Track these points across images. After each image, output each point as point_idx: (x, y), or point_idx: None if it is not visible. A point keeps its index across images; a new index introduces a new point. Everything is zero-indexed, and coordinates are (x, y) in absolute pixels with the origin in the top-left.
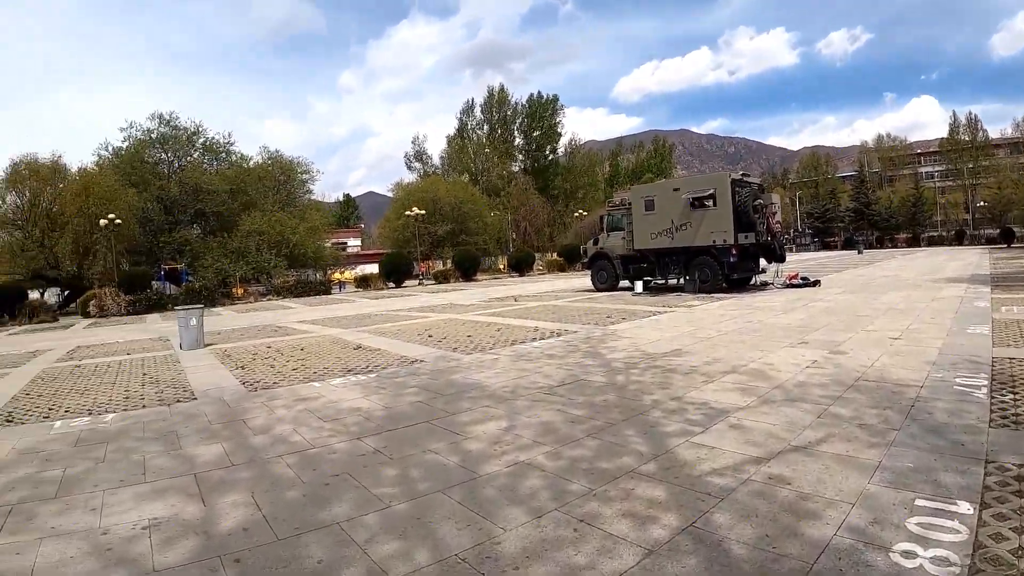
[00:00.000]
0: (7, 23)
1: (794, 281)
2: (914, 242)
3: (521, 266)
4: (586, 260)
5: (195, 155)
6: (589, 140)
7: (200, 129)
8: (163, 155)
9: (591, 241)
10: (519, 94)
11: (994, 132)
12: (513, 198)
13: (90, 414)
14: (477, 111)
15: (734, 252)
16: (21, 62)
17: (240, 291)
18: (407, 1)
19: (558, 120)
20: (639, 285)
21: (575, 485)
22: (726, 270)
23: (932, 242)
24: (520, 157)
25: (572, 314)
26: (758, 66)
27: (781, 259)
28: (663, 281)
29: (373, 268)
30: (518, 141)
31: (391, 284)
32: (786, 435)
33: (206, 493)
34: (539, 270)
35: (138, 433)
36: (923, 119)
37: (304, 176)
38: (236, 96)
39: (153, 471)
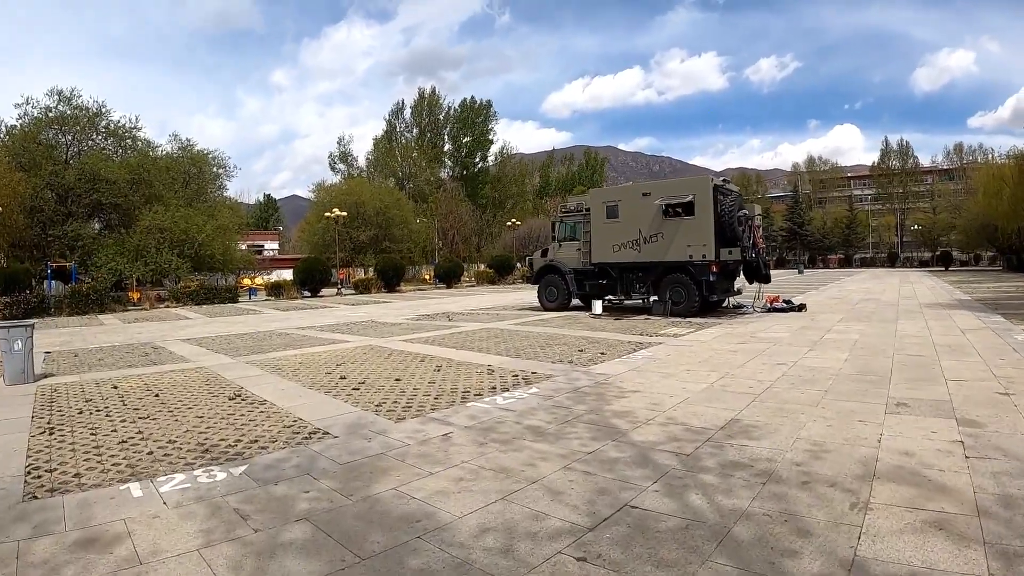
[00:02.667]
0: None
1: (776, 304)
2: (846, 263)
3: (449, 277)
4: (532, 274)
5: (97, 139)
6: (517, 153)
7: (103, 111)
8: (61, 137)
9: (538, 252)
10: (452, 98)
11: (922, 161)
12: (441, 205)
13: None
14: (407, 113)
15: (714, 270)
16: None
17: (136, 295)
18: (346, 1)
19: (490, 127)
20: (598, 305)
21: None
22: (704, 290)
23: (864, 263)
24: (449, 163)
25: (529, 344)
26: (687, 88)
27: (766, 279)
28: (620, 300)
29: (290, 274)
30: (448, 147)
31: (306, 293)
32: None
33: None
34: (467, 282)
35: None
36: (845, 145)
37: (219, 171)
38: (165, 87)
39: None
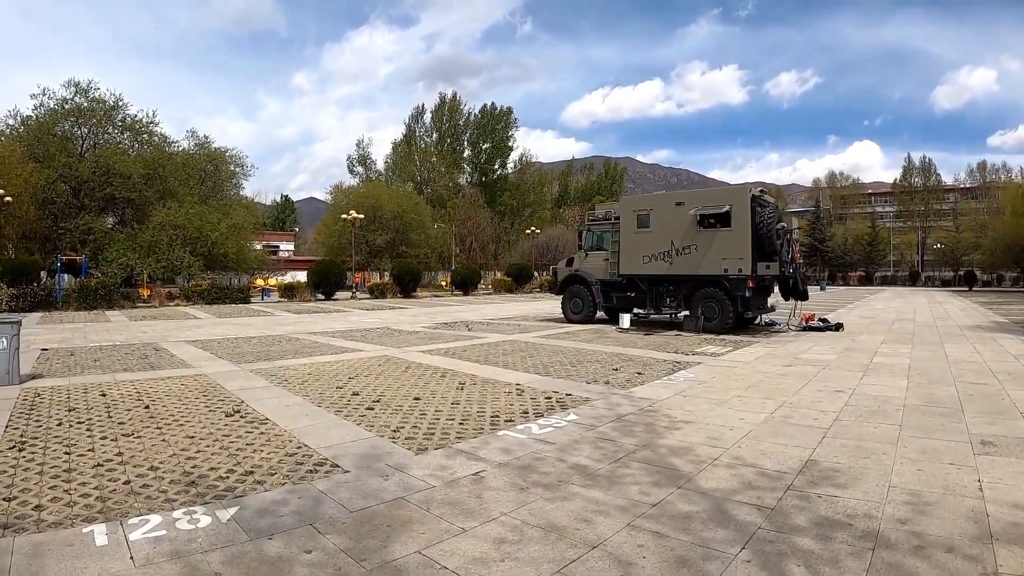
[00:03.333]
0: None
1: (812, 323)
2: (867, 280)
3: (466, 284)
4: (556, 284)
5: (112, 132)
6: (536, 161)
7: (120, 104)
8: (77, 130)
9: (563, 261)
10: (472, 104)
11: (944, 179)
12: (459, 210)
13: None
14: (427, 118)
15: (751, 285)
16: None
17: (147, 292)
18: (368, 7)
19: (511, 133)
20: (625, 319)
21: None
22: (739, 306)
23: (885, 281)
24: (468, 169)
25: (558, 360)
26: (707, 101)
27: (803, 296)
28: (649, 314)
29: (304, 276)
30: (467, 153)
31: (320, 296)
32: None
33: None
34: (484, 290)
35: None
36: (864, 162)
37: (236, 169)
38: (187, 88)
39: None
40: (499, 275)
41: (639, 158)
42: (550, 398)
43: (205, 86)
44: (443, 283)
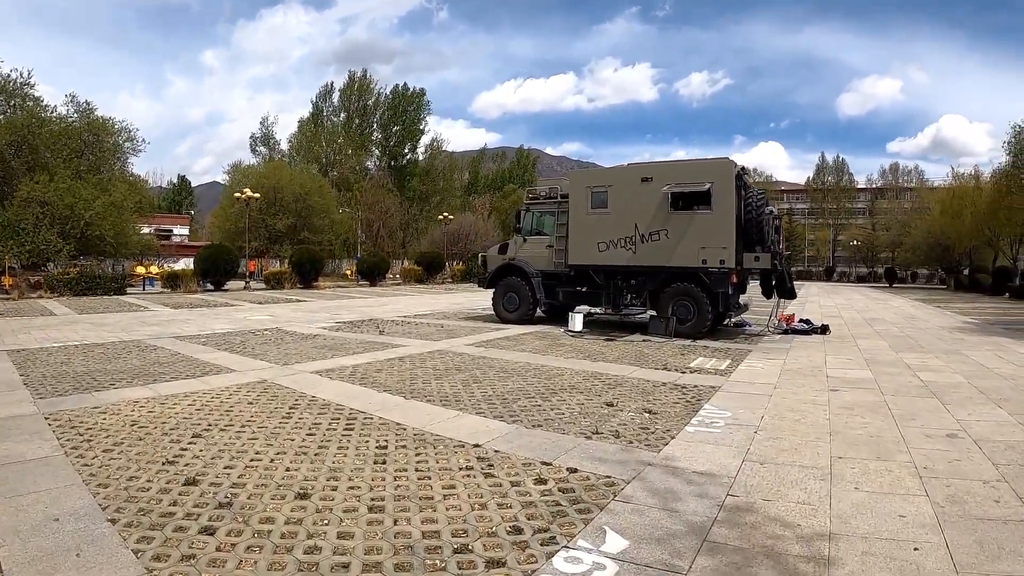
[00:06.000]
0: None
1: (794, 325)
2: None
3: (373, 274)
4: (487, 275)
5: None
6: (446, 149)
7: None
8: None
9: (495, 248)
10: (383, 85)
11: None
12: (366, 194)
13: None
14: (335, 97)
15: (734, 280)
16: None
17: (8, 282)
18: None
19: (422, 116)
20: (577, 320)
21: None
22: (720, 305)
23: (800, 276)
24: (377, 152)
25: (517, 387)
26: (619, 97)
27: (791, 294)
28: (607, 313)
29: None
30: (376, 135)
31: (209, 286)
32: None
33: None
34: (393, 280)
35: None
36: (769, 162)
37: (125, 143)
38: (91, 62)
39: None
40: (409, 264)
41: (548, 150)
42: (544, 481)
43: (110, 60)
44: (348, 272)
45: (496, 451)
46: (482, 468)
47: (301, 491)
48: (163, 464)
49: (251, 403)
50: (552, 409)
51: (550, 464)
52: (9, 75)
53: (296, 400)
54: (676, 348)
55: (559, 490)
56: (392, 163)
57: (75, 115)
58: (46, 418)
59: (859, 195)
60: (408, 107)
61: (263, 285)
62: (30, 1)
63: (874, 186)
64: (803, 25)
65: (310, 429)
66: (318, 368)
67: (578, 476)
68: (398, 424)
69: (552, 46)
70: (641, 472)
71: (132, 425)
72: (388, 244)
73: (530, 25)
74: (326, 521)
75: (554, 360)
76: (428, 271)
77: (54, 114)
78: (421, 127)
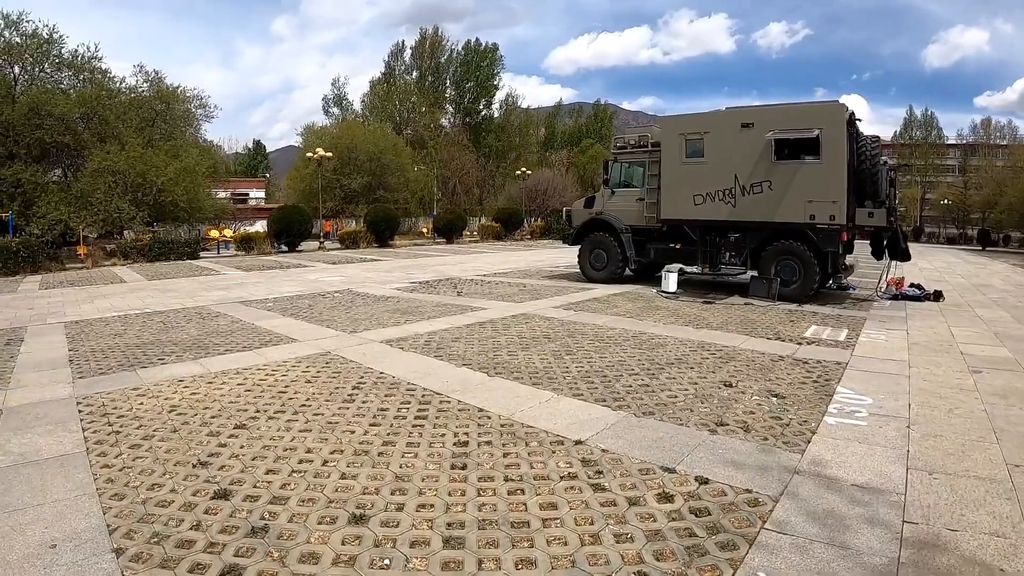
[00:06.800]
0: None
1: (904, 290)
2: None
3: (450, 231)
4: (572, 231)
5: (48, 70)
6: (523, 104)
7: (56, 37)
8: (8, 69)
9: (580, 201)
10: (455, 41)
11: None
12: (442, 151)
13: None
14: (407, 55)
15: (844, 238)
16: None
17: (83, 251)
18: None
19: (496, 71)
20: (672, 279)
21: None
22: (830, 267)
23: None
24: (451, 109)
25: (617, 360)
26: (694, 49)
27: (905, 255)
28: (704, 273)
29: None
30: (450, 92)
31: (283, 247)
32: None
33: None
34: (470, 237)
35: None
36: None
37: (197, 111)
38: (162, 35)
39: None
40: (486, 221)
41: (624, 105)
42: (670, 497)
43: (182, 33)
44: (424, 230)
45: (604, 450)
46: (589, 477)
47: (357, 511)
48: (193, 467)
49: (309, 381)
50: (662, 389)
51: (673, 471)
52: (76, 50)
53: (361, 378)
54: (782, 313)
55: (691, 511)
56: (467, 120)
57: (145, 85)
58: (78, 403)
59: (949, 151)
60: (481, 63)
61: (338, 245)
62: None
63: (965, 142)
64: None
65: (374, 417)
66: (388, 337)
67: (711, 489)
68: (480, 410)
69: None
70: (789, 484)
71: (170, 411)
72: (465, 201)
73: None
74: (386, 561)
75: (652, 326)
76: (507, 227)
77: (123, 85)
78: (495, 83)
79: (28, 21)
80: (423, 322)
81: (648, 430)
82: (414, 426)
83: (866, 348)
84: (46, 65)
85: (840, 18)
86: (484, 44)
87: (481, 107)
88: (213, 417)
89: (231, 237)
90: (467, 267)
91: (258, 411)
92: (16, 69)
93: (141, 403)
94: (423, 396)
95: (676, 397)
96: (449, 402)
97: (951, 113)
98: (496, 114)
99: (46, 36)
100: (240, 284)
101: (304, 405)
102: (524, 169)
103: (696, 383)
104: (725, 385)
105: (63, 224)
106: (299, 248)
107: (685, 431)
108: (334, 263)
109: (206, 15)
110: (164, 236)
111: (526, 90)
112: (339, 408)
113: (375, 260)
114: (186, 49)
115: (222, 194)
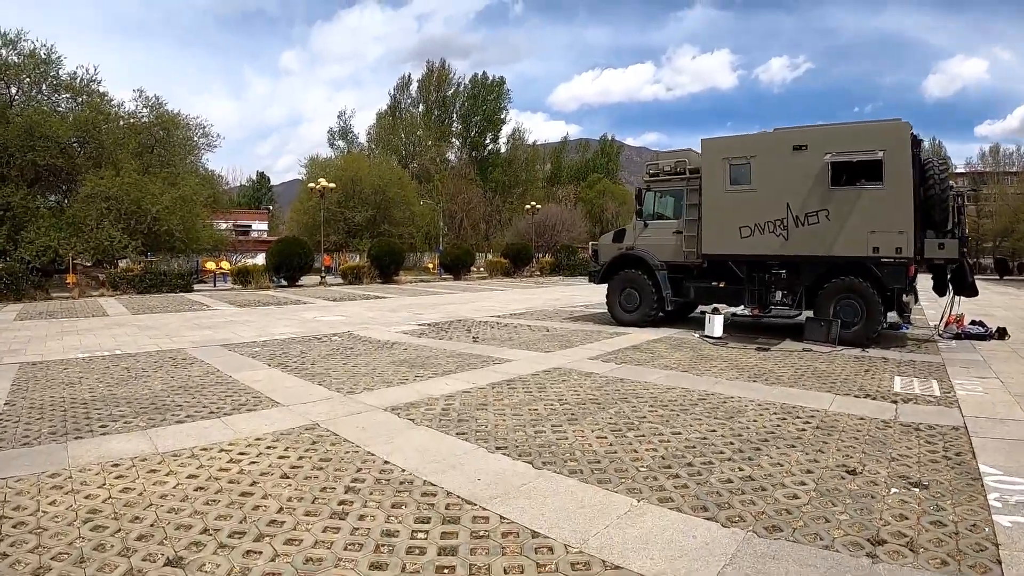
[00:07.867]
0: None
1: (966, 329)
2: None
3: (457, 267)
4: (597, 267)
5: (46, 91)
6: (528, 140)
7: (55, 58)
8: (4, 90)
9: (609, 235)
10: (462, 74)
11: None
12: (448, 184)
13: None
14: (413, 88)
15: (912, 273)
16: None
17: (72, 280)
18: None
19: (503, 105)
20: (718, 323)
21: None
22: (893, 305)
23: None
24: (457, 143)
25: (698, 434)
26: (697, 85)
27: (972, 289)
28: (754, 315)
29: None
30: (456, 126)
31: (282, 282)
32: None
33: None
34: (478, 273)
35: None
36: None
37: (198, 139)
38: (172, 66)
39: None
40: (494, 256)
41: (628, 141)
42: None
43: (191, 64)
44: (430, 265)
45: None
46: None
47: None
48: None
49: (286, 476)
50: (773, 485)
51: None
52: (75, 72)
53: (358, 471)
54: (851, 361)
55: None
56: (473, 153)
57: (144, 110)
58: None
59: (958, 180)
60: (488, 96)
61: (340, 280)
62: (112, 11)
63: (974, 171)
64: (883, 5)
65: (376, 550)
66: (395, 401)
67: None
68: (535, 534)
69: (628, 34)
70: None
71: (85, 523)
72: (471, 236)
73: (606, 14)
74: None
75: (716, 383)
76: (515, 263)
77: (122, 109)
78: (502, 116)
79: (26, 40)
80: (437, 379)
81: (787, 562)
82: (439, 569)
83: (972, 406)
84: (43, 86)
85: (841, 52)
86: (491, 77)
87: (488, 141)
88: (140, 539)
89: (228, 270)
90: (479, 306)
91: (206, 530)
92: (12, 89)
93: (52, 503)
94: (447, 508)
95: (797, 497)
96: (486, 519)
97: (953, 143)
98: (503, 148)
99: (44, 56)
100: (228, 323)
101: (273, 523)
102: (533, 203)
103: (810, 471)
104: (848, 472)
105: (51, 251)
106: (299, 282)
107: (835, 560)
108: (334, 300)
109: (216, 45)
110: (157, 267)
111: (531, 125)
112: (324, 527)
113: (378, 297)
114: (195, 78)
115: (223, 225)
